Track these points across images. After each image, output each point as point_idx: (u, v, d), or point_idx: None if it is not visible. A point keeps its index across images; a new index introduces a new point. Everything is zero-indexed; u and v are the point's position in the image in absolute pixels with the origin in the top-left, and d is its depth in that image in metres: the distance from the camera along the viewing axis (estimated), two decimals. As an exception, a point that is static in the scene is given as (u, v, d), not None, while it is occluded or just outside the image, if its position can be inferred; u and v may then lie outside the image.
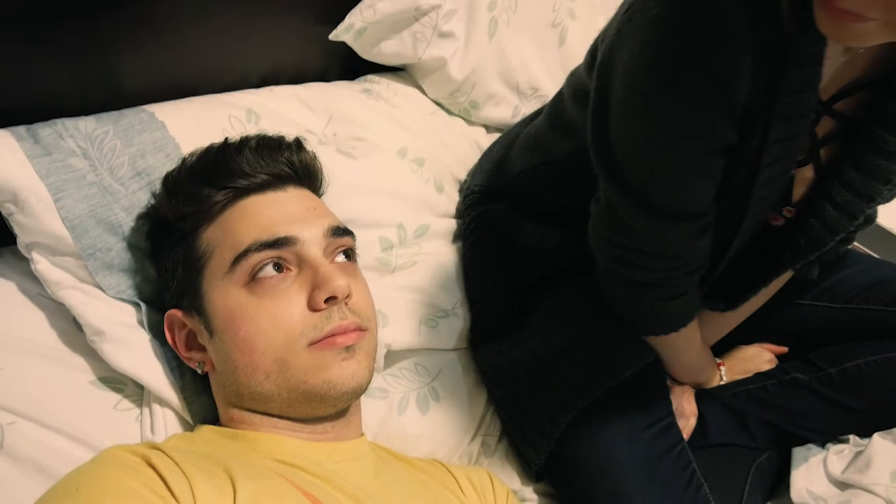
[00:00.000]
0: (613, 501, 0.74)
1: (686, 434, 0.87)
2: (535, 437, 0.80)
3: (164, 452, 0.50)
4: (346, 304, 0.61)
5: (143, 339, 0.67)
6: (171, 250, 0.65)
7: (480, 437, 0.86)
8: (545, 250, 0.86)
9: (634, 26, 0.60)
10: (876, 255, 1.10)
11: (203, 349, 0.63)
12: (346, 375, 0.59)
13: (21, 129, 0.69)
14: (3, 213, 0.67)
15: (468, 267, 0.92)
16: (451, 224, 0.97)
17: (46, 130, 0.69)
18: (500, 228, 0.89)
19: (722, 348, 0.95)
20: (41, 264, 0.67)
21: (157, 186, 0.69)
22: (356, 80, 1.03)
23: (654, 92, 0.60)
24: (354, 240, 0.67)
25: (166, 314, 0.65)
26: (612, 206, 0.69)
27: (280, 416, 0.61)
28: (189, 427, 0.68)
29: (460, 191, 1.01)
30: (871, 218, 0.81)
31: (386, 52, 0.99)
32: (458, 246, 0.95)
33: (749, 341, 0.97)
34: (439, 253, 0.93)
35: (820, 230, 0.72)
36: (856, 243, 0.90)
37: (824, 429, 0.89)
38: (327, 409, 0.61)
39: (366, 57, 1.00)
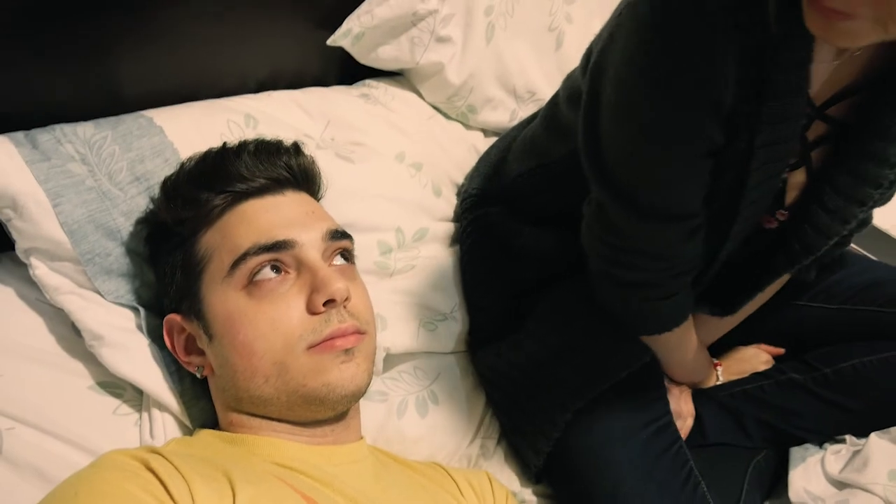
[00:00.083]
0: (612, 501, 0.74)
1: (683, 434, 0.88)
2: (533, 439, 0.81)
3: (163, 456, 0.50)
4: (344, 307, 0.61)
5: (142, 343, 0.67)
6: (170, 255, 0.65)
7: (479, 439, 0.86)
8: (541, 253, 0.87)
9: (624, 30, 0.60)
10: (872, 257, 1.10)
11: (202, 353, 0.63)
12: (346, 378, 0.59)
13: (19, 134, 0.69)
14: (2, 218, 0.67)
15: (465, 270, 0.92)
16: (450, 228, 0.97)
17: (45, 136, 0.69)
18: (497, 232, 0.89)
19: (719, 349, 0.96)
20: (40, 269, 0.67)
21: (156, 191, 0.69)
22: (354, 85, 1.04)
23: (642, 96, 0.60)
24: (352, 242, 0.67)
25: (165, 318, 0.65)
26: (603, 207, 0.70)
27: (279, 420, 0.61)
28: (188, 431, 0.68)
29: (458, 194, 1.01)
30: (867, 221, 0.81)
31: (384, 57, 0.99)
32: (456, 249, 0.95)
33: (746, 342, 0.97)
34: (438, 256, 0.93)
35: (813, 235, 0.72)
36: (852, 244, 0.90)
37: (820, 429, 0.89)
38: (326, 413, 0.61)
39: (363, 62, 1.00)
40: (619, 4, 0.63)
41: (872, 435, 0.85)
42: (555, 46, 1.13)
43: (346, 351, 0.60)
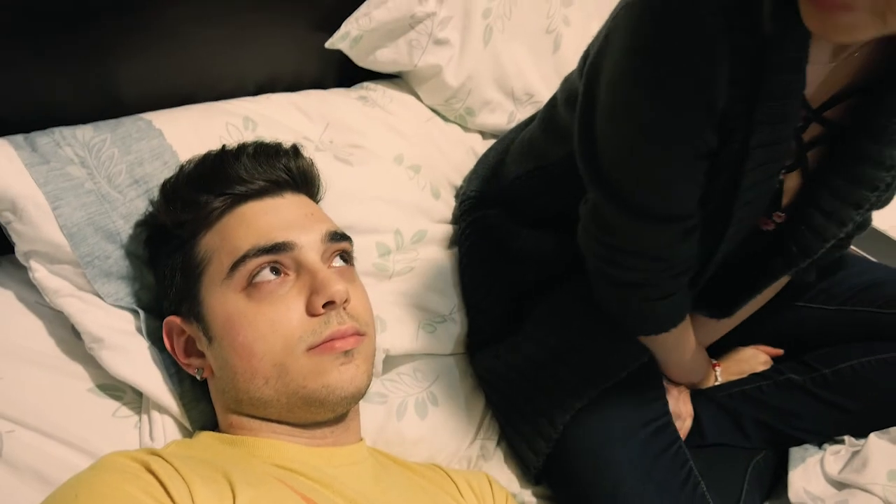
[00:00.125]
0: (611, 502, 0.74)
1: (682, 435, 0.88)
2: (533, 440, 0.81)
3: (163, 458, 0.51)
4: (344, 308, 0.61)
5: (142, 346, 0.67)
6: (170, 257, 0.65)
7: (479, 441, 0.86)
8: (540, 256, 0.87)
9: (619, 32, 0.61)
10: (871, 258, 1.11)
11: (202, 355, 0.63)
12: (345, 380, 0.59)
13: (19, 137, 0.69)
14: (2, 221, 0.67)
15: (464, 272, 0.92)
16: (448, 230, 0.97)
17: (44, 139, 0.69)
18: (496, 234, 0.89)
19: (718, 349, 0.96)
20: (39, 272, 0.67)
21: (155, 194, 0.69)
22: (352, 88, 1.04)
23: (637, 96, 0.61)
24: (352, 244, 0.67)
25: (165, 321, 0.65)
26: (598, 207, 0.70)
27: (279, 422, 0.61)
28: (188, 434, 0.68)
29: (456, 196, 1.01)
30: (865, 224, 0.81)
31: (382, 59, 0.99)
32: (455, 251, 0.95)
33: (745, 343, 0.97)
34: (436, 258, 0.93)
35: (810, 237, 0.73)
36: (851, 246, 0.90)
37: (819, 429, 0.89)
38: (326, 414, 0.61)
39: (362, 65, 1.00)
40: (617, 6, 0.63)
41: (871, 435, 0.85)
42: (552, 49, 1.13)
43: (346, 352, 0.60)
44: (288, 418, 0.61)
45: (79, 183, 0.68)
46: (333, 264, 0.65)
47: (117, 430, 0.66)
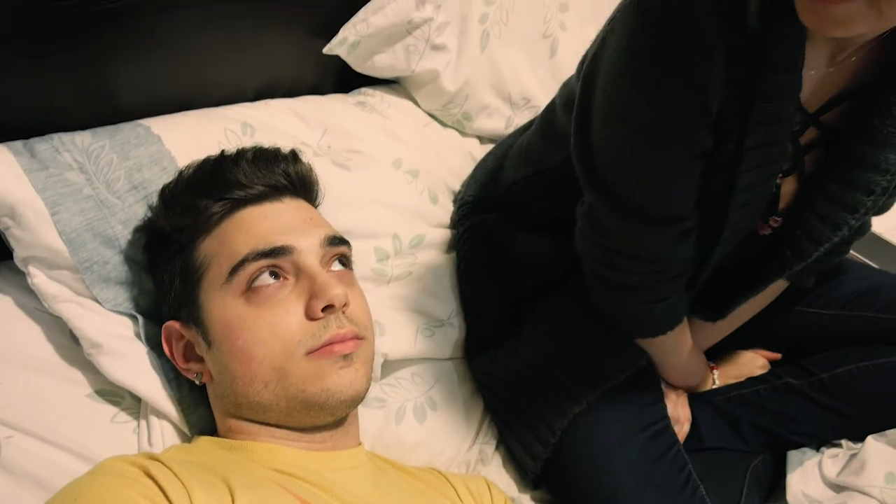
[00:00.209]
0: (610, 506, 0.75)
1: (680, 439, 0.88)
2: (531, 445, 0.81)
3: (162, 463, 0.51)
4: (343, 312, 0.61)
5: (141, 351, 0.67)
6: (169, 262, 0.65)
7: (478, 445, 0.86)
8: (538, 260, 0.87)
9: (615, 35, 0.61)
10: (870, 263, 1.11)
11: (201, 360, 0.64)
12: (345, 384, 0.59)
13: (18, 143, 0.69)
14: (0, 227, 0.67)
15: (462, 277, 0.93)
16: (446, 234, 0.97)
17: (43, 145, 0.70)
18: (494, 239, 0.89)
19: (717, 353, 0.96)
20: (38, 278, 0.67)
21: (154, 199, 0.70)
22: (350, 93, 1.04)
23: (632, 98, 0.61)
24: (350, 248, 0.67)
25: (164, 326, 0.65)
26: (594, 209, 0.70)
27: (278, 426, 0.61)
28: (187, 439, 0.68)
29: (454, 201, 1.02)
30: (865, 228, 0.81)
31: (379, 65, 1.00)
32: (453, 256, 0.95)
33: (744, 347, 0.97)
34: (434, 263, 0.93)
35: (805, 241, 0.73)
36: (851, 251, 0.91)
37: (816, 433, 0.90)
38: (325, 418, 0.61)
39: (359, 70, 1.01)
40: (614, 10, 0.63)
41: (869, 438, 0.86)
42: (549, 54, 1.14)
43: (345, 356, 0.60)
44: (287, 422, 0.61)
45: (77, 189, 0.69)
46: (332, 268, 0.65)
47: (116, 435, 0.66)
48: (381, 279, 0.87)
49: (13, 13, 0.66)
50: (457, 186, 1.03)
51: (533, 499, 0.85)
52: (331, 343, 0.59)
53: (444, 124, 1.10)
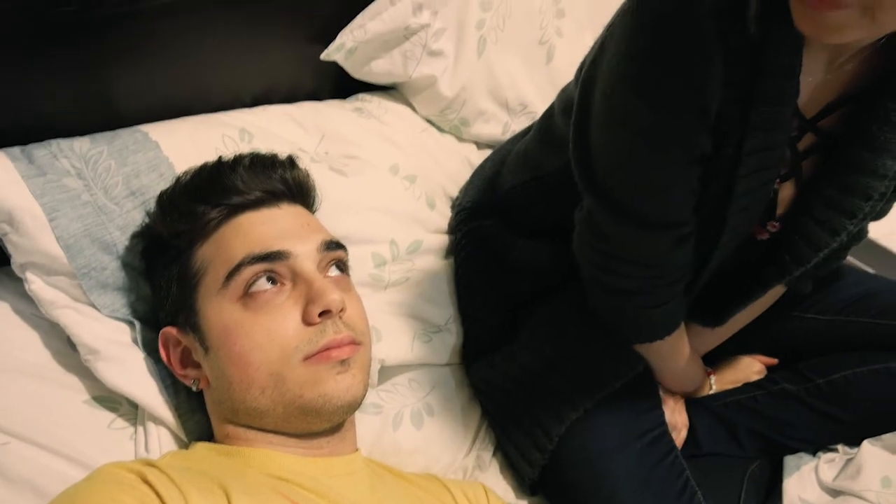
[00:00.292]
0: (608, 513, 0.75)
1: (678, 445, 0.88)
2: (528, 451, 0.81)
3: (159, 469, 0.51)
4: (340, 317, 0.61)
5: (138, 357, 0.67)
6: (166, 268, 0.65)
7: (475, 451, 0.86)
8: (536, 266, 0.87)
9: (614, 39, 0.61)
10: (867, 269, 1.11)
11: (198, 366, 0.64)
12: (342, 389, 0.59)
13: (16, 149, 0.70)
14: (-2, 233, 0.67)
15: (460, 282, 0.93)
16: (444, 240, 0.97)
17: (41, 151, 0.70)
18: (492, 244, 0.89)
19: (714, 358, 0.96)
20: (35, 284, 0.67)
21: (152, 205, 0.70)
22: (348, 99, 1.04)
23: (631, 102, 0.61)
24: (347, 253, 0.67)
25: (161, 332, 0.65)
26: (593, 214, 0.70)
27: (275, 432, 0.61)
28: (183, 445, 0.67)
29: (452, 207, 1.02)
30: (861, 234, 0.81)
31: (377, 70, 1.00)
32: (451, 261, 0.96)
33: (741, 352, 0.97)
34: (432, 269, 0.93)
35: (803, 246, 0.73)
36: (848, 257, 0.91)
37: (813, 439, 0.90)
38: (322, 424, 0.61)
39: (357, 76, 1.01)
40: (613, 16, 0.64)
41: (865, 442, 0.86)
42: (545, 60, 1.14)
43: (342, 362, 0.60)
44: (284, 428, 0.61)
45: (75, 195, 0.69)
46: (329, 274, 0.65)
47: (113, 441, 0.66)
48: (378, 285, 0.87)
49: (12, 18, 0.66)
50: (454, 192, 1.04)
51: (530, 504, 0.85)
52: (327, 348, 0.59)
53: (441, 130, 1.10)
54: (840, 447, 0.89)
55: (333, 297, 0.59)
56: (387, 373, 0.83)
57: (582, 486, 0.78)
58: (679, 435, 0.89)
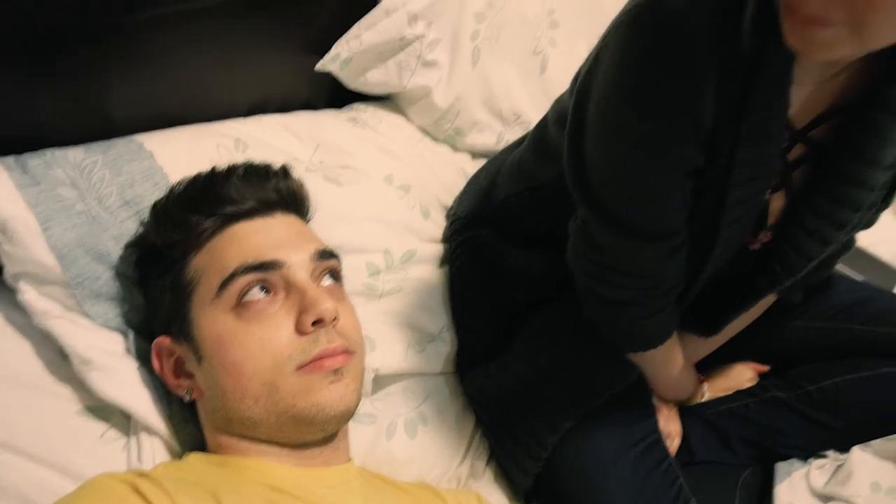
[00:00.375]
0: (602, 521, 0.75)
1: (672, 453, 0.88)
2: (522, 459, 0.81)
3: (151, 480, 0.51)
4: (333, 327, 0.61)
5: (131, 367, 0.67)
6: (160, 278, 0.65)
7: (469, 460, 0.86)
8: (530, 275, 0.87)
9: (609, 50, 0.61)
10: (856, 276, 1.12)
11: (191, 376, 0.63)
12: (335, 398, 0.59)
13: (10, 159, 0.70)
14: (-8, 243, 0.67)
15: (454, 292, 0.93)
16: (438, 249, 0.97)
17: (35, 160, 0.70)
18: (486, 254, 0.90)
19: (706, 366, 0.97)
20: (28, 294, 0.67)
21: (146, 215, 0.70)
22: (343, 109, 1.05)
23: (626, 113, 0.61)
24: (340, 262, 0.68)
25: (154, 342, 0.65)
26: (587, 225, 0.71)
27: (268, 442, 0.61)
28: (177, 455, 0.67)
29: (447, 216, 1.02)
30: (850, 244, 0.82)
31: (372, 81, 1.00)
32: (445, 271, 0.96)
33: (733, 359, 0.98)
34: (426, 278, 0.93)
35: (794, 256, 0.73)
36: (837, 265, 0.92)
37: (804, 445, 0.90)
38: (316, 434, 0.61)
39: (352, 86, 1.01)
40: (608, 27, 0.64)
41: (854, 449, 0.86)
42: (539, 70, 1.15)
43: (335, 371, 0.60)
44: (277, 438, 0.61)
45: (69, 204, 0.69)
46: (322, 283, 0.65)
47: (105, 452, 0.65)
48: (372, 294, 0.87)
49: (7, 28, 0.66)
50: (449, 201, 1.04)
51: (524, 513, 0.85)
52: (321, 357, 0.59)
53: (435, 140, 1.10)
54: (830, 453, 0.89)
55: (326, 306, 0.59)
56: (381, 382, 0.83)
57: (576, 495, 0.78)
58: (673, 443, 0.90)
